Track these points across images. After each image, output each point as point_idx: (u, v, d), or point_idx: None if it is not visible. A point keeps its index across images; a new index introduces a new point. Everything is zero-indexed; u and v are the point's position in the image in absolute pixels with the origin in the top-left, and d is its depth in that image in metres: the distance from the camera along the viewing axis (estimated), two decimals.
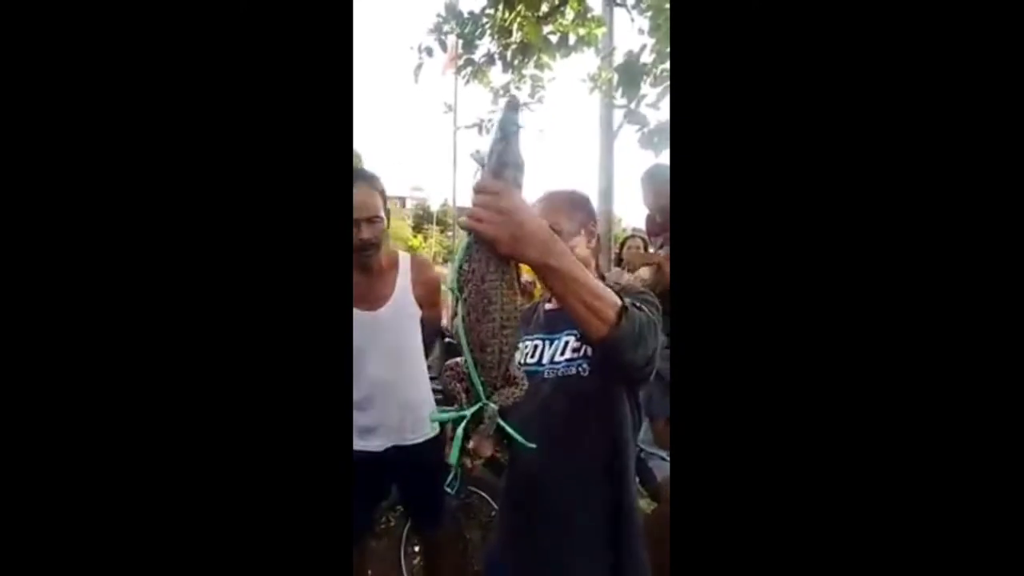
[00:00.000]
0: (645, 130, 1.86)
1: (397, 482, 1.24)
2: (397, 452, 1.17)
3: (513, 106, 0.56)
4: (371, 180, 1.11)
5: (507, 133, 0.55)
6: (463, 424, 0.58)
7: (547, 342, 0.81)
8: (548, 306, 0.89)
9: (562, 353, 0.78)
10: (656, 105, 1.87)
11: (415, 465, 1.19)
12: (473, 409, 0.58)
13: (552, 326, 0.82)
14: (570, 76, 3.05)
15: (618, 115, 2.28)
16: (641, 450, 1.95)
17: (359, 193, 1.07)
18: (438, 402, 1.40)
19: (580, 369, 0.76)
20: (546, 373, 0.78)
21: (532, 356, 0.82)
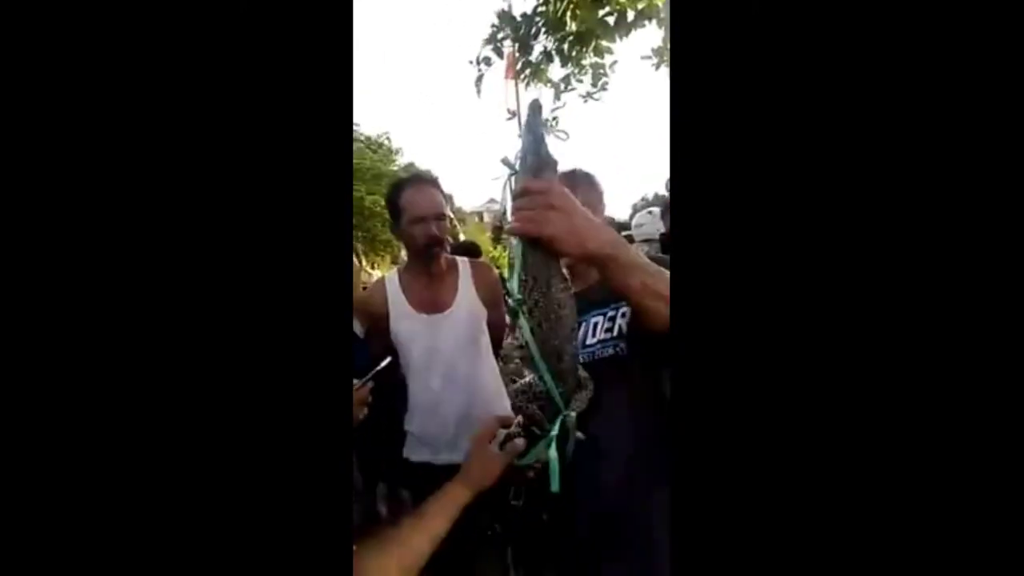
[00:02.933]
0: None
1: (490, 490, 1.22)
2: None
3: (536, 108, 0.57)
4: (435, 182, 1.16)
5: (537, 135, 0.55)
6: (553, 444, 0.56)
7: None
8: None
9: (593, 335, 0.77)
10: None
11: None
12: (558, 426, 0.56)
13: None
14: (633, 56, 2.90)
15: None
16: None
17: (426, 193, 1.11)
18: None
19: (618, 349, 0.74)
20: (581, 358, 0.76)
21: None
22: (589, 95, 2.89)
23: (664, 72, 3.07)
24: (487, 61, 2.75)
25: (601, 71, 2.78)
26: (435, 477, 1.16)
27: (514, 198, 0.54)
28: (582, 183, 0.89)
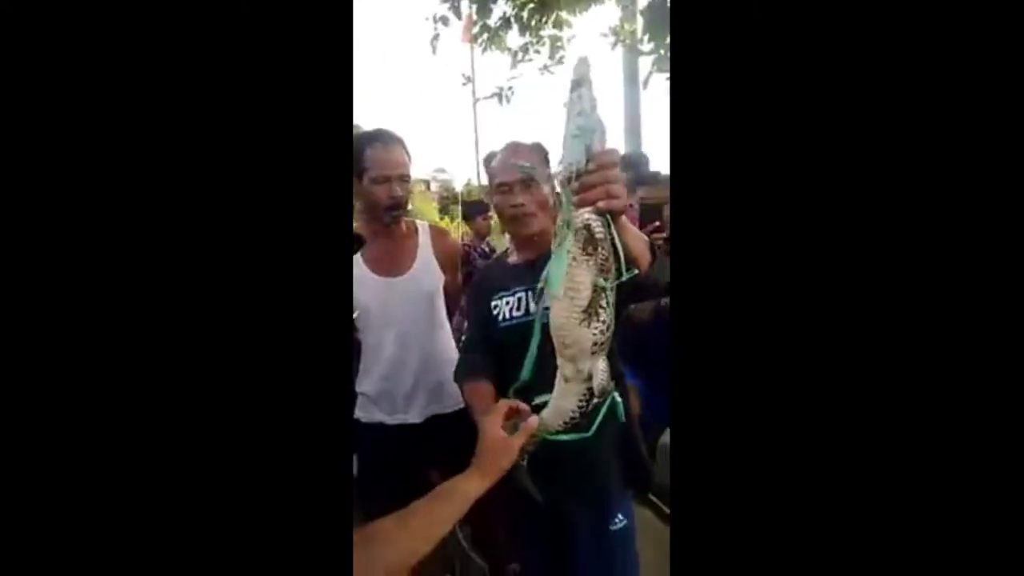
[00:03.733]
0: None
1: (439, 450, 1.25)
2: (437, 421, 1.18)
3: (588, 66, 0.53)
4: (400, 140, 1.11)
5: (594, 102, 0.52)
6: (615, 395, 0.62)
7: (530, 292, 0.85)
8: (513, 260, 0.93)
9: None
10: None
11: (456, 432, 1.21)
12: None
13: (528, 277, 0.86)
14: (590, 32, 2.92)
15: (645, 65, 2.16)
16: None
17: (392, 151, 1.07)
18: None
19: None
20: (542, 319, 0.79)
21: (519, 309, 0.86)
22: (545, 67, 2.89)
23: (619, 52, 3.12)
24: (444, 20, 2.65)
25: (559, 44, 2.77)
26: (387, 437, 1.18)
27: (600, 168, 0.50)
28: (537, 152, 0.90)
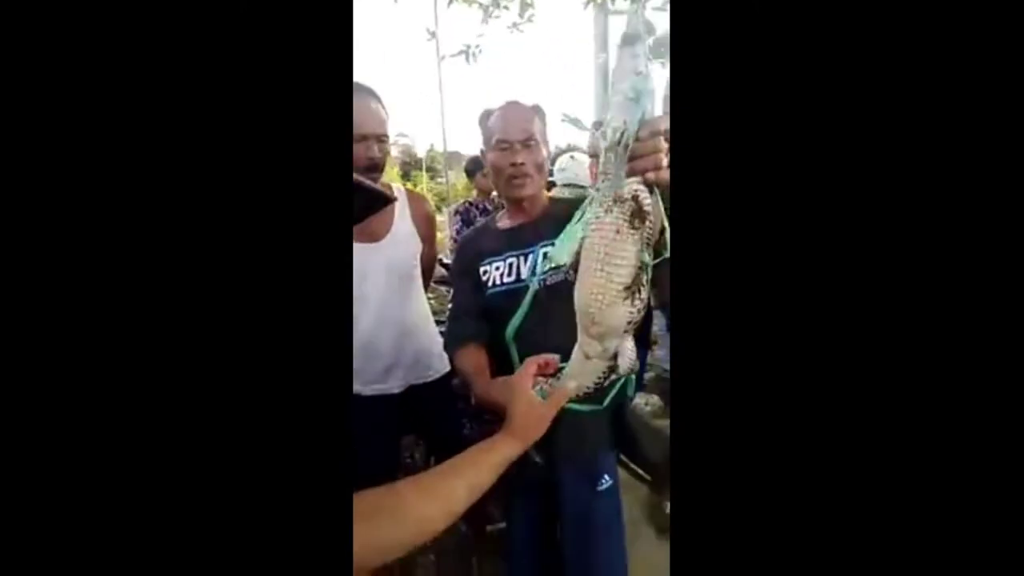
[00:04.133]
0: (652, 39, 1.71)
1: (417, 419, 1.25)
2: (415, 391, 1.17)
3: (640, 20, 0.49)
4: (376, 95, 1.02)
5: (649, 62, 0.48)
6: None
7: (522, 257, 0.84)
8: (503, 225, 0.90)
9: (542, 264, 0.80)
10: (664, 7, 1.71)
11: (434, 401, 1.21)
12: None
13: (519, 242, 0.85)
14: None
15: (617, 25, 2.10)
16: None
17: (368, 107, 0.99)
18: None
19: (567, 275, 0.75)
20: (535, 284, 0.80)
21: (510, 274, 0.84)
22: (515, 25, 2.77)
23: (591, 12, 3.02)
24: None
25: (528, 1, 2.66)
26: (364, 407, 1.16)
27: (653, 135, 0.46)
28: (535, 113, 0.87)
